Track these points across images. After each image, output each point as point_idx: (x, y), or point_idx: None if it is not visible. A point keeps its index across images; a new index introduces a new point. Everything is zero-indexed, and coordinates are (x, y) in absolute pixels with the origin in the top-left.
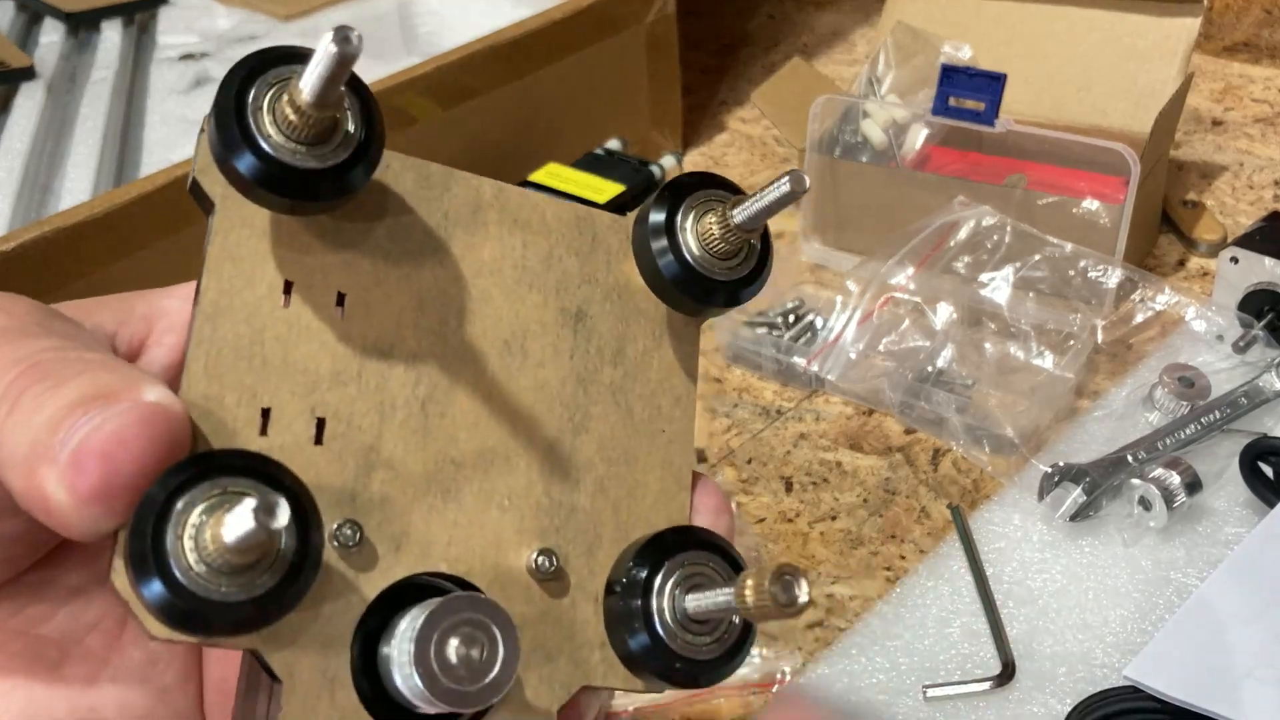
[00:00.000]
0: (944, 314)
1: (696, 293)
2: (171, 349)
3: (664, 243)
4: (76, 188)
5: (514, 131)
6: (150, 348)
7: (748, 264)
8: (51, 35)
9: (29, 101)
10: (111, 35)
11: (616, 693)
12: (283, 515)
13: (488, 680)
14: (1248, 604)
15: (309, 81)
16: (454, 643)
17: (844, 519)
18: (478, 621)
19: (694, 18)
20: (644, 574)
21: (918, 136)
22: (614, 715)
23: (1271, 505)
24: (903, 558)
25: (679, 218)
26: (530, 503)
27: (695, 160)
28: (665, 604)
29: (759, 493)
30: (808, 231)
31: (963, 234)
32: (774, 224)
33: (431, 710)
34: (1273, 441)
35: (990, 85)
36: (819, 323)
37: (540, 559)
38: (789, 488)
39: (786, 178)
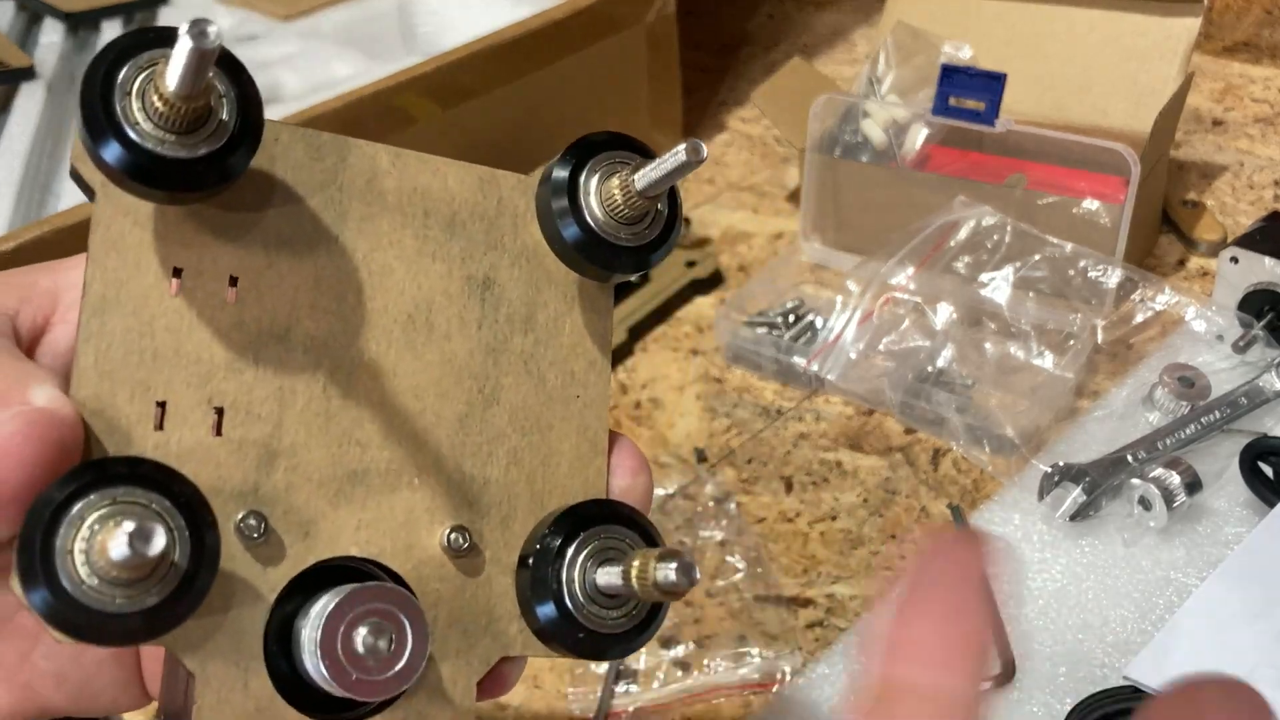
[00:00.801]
0: (944, 314)
1: (600, 258)
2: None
3: (565, 204)
4: (76, 188)
5: (514, 131)
6: (55, 325)
7: (654, 229)
8: (51, 35)
9: (29, 101)
10: (111, 35)
11: (616, 693)
12: (158, 542)
13: (396, 670)
14: (1248, 604)
15: (171, 74)
16: (361, 633)
17: (844, 519)
18: (385, 611)
19: (694, 18)
20: (556, 544)
21: (918, 136)
22: (614, 715)
23: (1271, 505)
24: (903, 558)
25: (583, 178)
26: (440, 480)
27: None
28: (575, 575)
29: (759, 493)
30: (808, 231)
31: (963, 234)
32: (774, 224)
33: (342, 696)
34: (1273, 441)
35: (990, 85)
36: (819, 323)
37: (453, 536)
38: (789, 488)
39: (683, 146)
